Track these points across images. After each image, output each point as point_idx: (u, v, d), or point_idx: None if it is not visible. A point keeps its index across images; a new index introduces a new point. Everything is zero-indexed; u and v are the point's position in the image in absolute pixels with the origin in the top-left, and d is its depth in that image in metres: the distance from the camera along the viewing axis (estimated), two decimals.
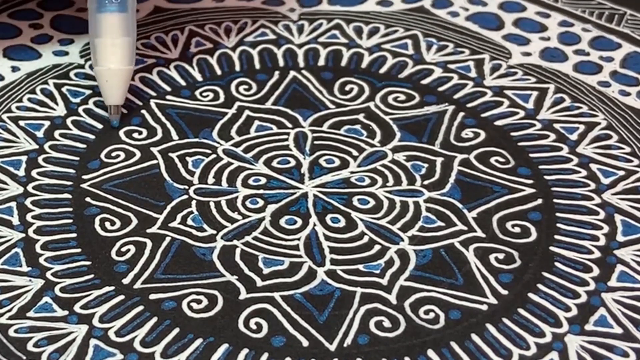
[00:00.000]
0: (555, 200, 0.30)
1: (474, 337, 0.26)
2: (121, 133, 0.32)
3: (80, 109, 0.33)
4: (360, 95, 0.34)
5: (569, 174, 0.31)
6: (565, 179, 0.31)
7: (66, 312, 0.26)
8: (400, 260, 0.28)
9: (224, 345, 0.25)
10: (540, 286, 0.27)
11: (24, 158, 0.31)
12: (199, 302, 0.27)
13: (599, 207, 0.30)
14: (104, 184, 0.30)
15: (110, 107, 0.32)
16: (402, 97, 0.34)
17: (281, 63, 0.35)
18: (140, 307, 0.26)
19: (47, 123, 0.32)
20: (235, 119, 0.33)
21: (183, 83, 0.34)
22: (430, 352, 0.25)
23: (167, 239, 0.28)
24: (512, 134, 0.32)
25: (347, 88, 0.34)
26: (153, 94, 0.34)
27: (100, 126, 0.32)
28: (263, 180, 0.30)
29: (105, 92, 0.32)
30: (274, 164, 0.31)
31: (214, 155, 0.31)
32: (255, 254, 0.28)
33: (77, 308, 0.26)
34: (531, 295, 0.27)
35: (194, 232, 0.29)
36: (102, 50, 0.31)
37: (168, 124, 0.32)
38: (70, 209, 0.29)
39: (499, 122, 0.33)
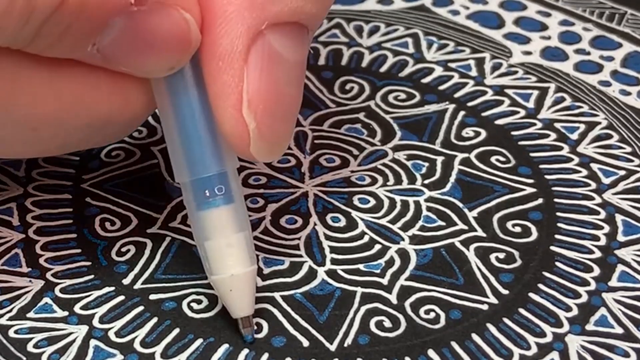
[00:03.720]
0: (556, 200, 0.30)
1: (475, 337, 0.26)
2: None
3: None
4: (361, 94, 0.34)
5: (569, 173, 0.31)
6: (565, 178, 0.31)
7: (66, 313, 0.26)
8: (400, 260, 0.28)
9: (224, 346, 0.25)
10: (541, 286, 0.27)
11: (24, 158, 0.31)
12: (199, 302, 0.27)
13: (600, 207, 0.30)
14: (104, 183, 0.30)
15: (241, 320, 0.26)
16: (403, 96, 0.34)
17: None
18: (141, 308, 0.26)
19: None
20: None
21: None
22: (431, 352, 0.25)
23: (167, 239, 0.28)
24: (513, 133, 0.32)
25: (348, 87, 0.34)
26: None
27: None
28: (263, 180, 0.30)
29: (230, 304, 0.26)
30: (274, 163, 0.31)
31: None
32: (256, 253, 0.28)
33: (77, 309, 0.26)
34: (532, 295, 0.27)
35: None
36: (217, 255, 0.25)
37: None
38: (70, 209, 0.29)
39: (499, 121, 0.33)
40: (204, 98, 0.24)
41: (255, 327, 0.26)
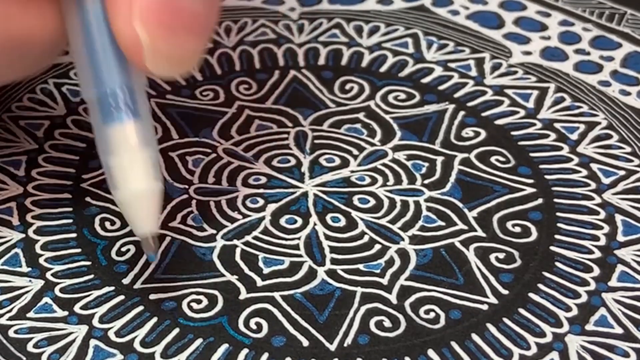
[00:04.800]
0: (555, 200, 0.30)
1: (475, 337, 0.26)
2: None
3: (80, 108, 0.33)
4: (361, 94, 0.34)
5: (569, 173, 0.31)
6: (565, 178, 0.31)
7: (66, 313, 0.26)
8: (400, 260, 0.28)
9: (224, 346, 0.25)
10: (540, 286, 0.27)
11: (23, 158, 0.31)
12: (199, 302, 0.27)
13: (600, 207, 0.30)
14: (104, 183, 0.30)
15: (143, 240, 0.25)
16: (403, 96, 0.34)
17: (281, 62, 0.35)
18: (140, 308, 0.26)
19: (47, 122, 0.32)
20: (236, 118, 0.33)
21: (183, 82, 0.34)
22: (431, 352, 0.25)
23: (167, 239, 0.28)
24: (513, 133, 0.32)
25: (348, 87, 0.34)
26: (153, 93, 0.33)
27: None
28: (263, 180, 0.30)
29: (132, 221, 0.25)
30: (274, 163, 0.31)
31: (214, 155, 0.31)
32: (256, 253, 0.28)
33: (77, 308, 0.26)
34: (532, 295, 0.27)
35: (194, 231, 0.28)
36: (119, 170, 0.25)
37: (168, 123, 0.32)
38: (70, 209, 0.29)
39: (499, 121, 0.33)
40: (106, 12, 0.24)
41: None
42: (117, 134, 0.25)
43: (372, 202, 0.30)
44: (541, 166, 0.31)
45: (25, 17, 0.24)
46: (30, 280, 0.27)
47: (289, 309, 0.26)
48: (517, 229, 0.29)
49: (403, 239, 0.29)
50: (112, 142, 0.25)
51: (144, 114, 0.25)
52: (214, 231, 0.29)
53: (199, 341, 0.26)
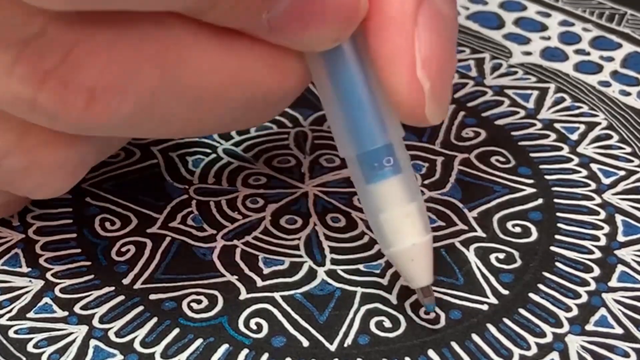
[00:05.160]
0: (555, 200, 0.30)
1: (475, 337, 0.26)
2: None
3: None
4: None
5: (569, 173, 0.31)
6: (565, 178, 0.31)
7: (66, 313, 0.26)
8: None
9: (224, 346, 0.25)
10: (540, 286, 0.27)
11: None
12: (199, 302, 0.27)
13: (600, 207, 0.30)
14: (104, 183, 0.30)
15: (421, 290, 0.25)
16: None
17: None
18: (141, 308, 0.26)
19: None
20: None
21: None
22: (431, 352, 0.25)
23: (167, 239, 0.28)
24: (513, 133, 0.32)
25: None
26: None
27: None
28: (263, 180, 0.30)
29: (412, 275, 0.25)
30: (274, 163, 0.31)
31: (214, 155, 0.31)
32: (256, 253, 0.28)
33: (77, 309, 0.26)
34: (532, 295, 0.27)
35: (194, 232, 0.28)
36: (394, 226, 0.25)
37: None
38: (70, 209, 0.29)
39: (499, 122, 0.33)
40: (363, 68, 0.24)
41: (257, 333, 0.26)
42: (384, 191, 0.24)
43: None
44: (541, 166, 0.31)
45: (269, 75, 0.24)
46: (30, 281, 0.27)
47: (289, 309, 0.26)
48: (517, 229, 0.29)
49: None
50: (381, 200, 0.24)
51: (405, 167, 0.25)
52: (214, 231, 0.29)
53: (199, 341, 0.26)
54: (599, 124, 0.33)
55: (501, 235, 0.29)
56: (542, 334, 0.26)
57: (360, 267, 0.28)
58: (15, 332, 0.26)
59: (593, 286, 0.27)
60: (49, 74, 0.21)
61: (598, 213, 0.30)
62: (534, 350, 0.26)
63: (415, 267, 0.25)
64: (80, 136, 0.24)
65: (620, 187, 0.30)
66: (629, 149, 0.32)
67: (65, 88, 0.21)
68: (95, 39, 0.21)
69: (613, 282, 0.27)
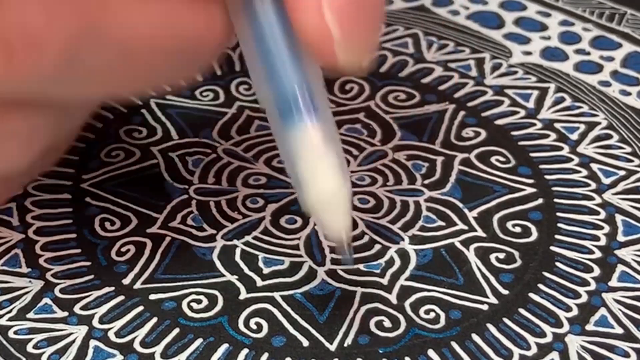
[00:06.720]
0: (555, 200, 0.30)
1: (475, 337, 0.26)
2: (121, 132, 0.32)
3: None
4: (361, 94, 0.34)
5: (569, 173, 0.31)
6: (565, 178, 0.31)
7: (66, 313, 0.26)
8: (400, 260, 0.28)
9: (224, 345, 0.25)
10: (541, 286, 0.27)
11: None
12: (199, 302, 0.27)
13: (600, 207, 0.30)
14: (104, 183, 0.30)
15: (337, 242, 0.24)
16: (403, 96, 0.34)
17: None
18: (141, 308, 0.26)
19: None
20: (236, 118, 0.33)
21: (183, 83, 0.34)
22: (431, 352, 0.25)
23: (167, 239, 0.28)
24: (513, 133, 0.32)
25: (347, 87, 0.34)
26: (153, 93, 0.33)
27: (100, 125, 0.32)
28: (263, 180, 0.30)
29: (324, 224, 0.24)
30: (274, 163, 0.31)
31: (214, 155, 0.31)
32: (256, 253, 0.28)
33: (77, 309, 0.26)
34: (532, 295, 0.27)
35: (194, 232, 0.28)
36: (309, 172, 0.24)
37: (168, 124, 0.32)
38: (70, 209, 0.29)
39: (499, 121, 0.33)
40: (279, 10, 0.23)
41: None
42: (300, 135, 0.23)
43: (372, 202, 0.30)
44: (541, 166, 0.31)
45: (192, 18, 0.23)
46: (30, 281, 0.27)
47: (289, 309, 0.26)
48: (517, 229, 0.29)
49: (403, 239, 0.28)
50: (296, 145, 0.24)
51: (325, 113, 0.24)
52: (214, 231, 0.29)
53: (199, 341, 0.26)
54: (599, 123, 0.33)
55: (501, 235, 0.29)
56: (542, 334, 0.26)
57: (360, 267, 0.28)
58: (15, 332, 0.26)
59: (593, 286, 0.27)
60: None
61: (598, 213, 0.30)
62: (534, 350, 0.26)
63: (328, 216, 0.24)
64: (25, 103, 0.23)
65: (621, 187, 0.30)
66: (629, 149, 0.32)
67: None
68: None
69: (613, 282, 0.27)
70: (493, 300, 0.27)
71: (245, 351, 0.25)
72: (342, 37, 0.23)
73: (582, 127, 0.33)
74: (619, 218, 0.29)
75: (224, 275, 0.27)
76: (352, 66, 0.23)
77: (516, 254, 0.28)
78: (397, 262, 0.28)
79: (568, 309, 0.27)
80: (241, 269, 0.27)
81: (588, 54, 0.36)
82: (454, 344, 0.26)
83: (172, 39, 0.23)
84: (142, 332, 0.26)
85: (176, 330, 0.26)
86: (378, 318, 0.26)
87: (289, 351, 0.25)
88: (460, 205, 0.30)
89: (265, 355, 0.25)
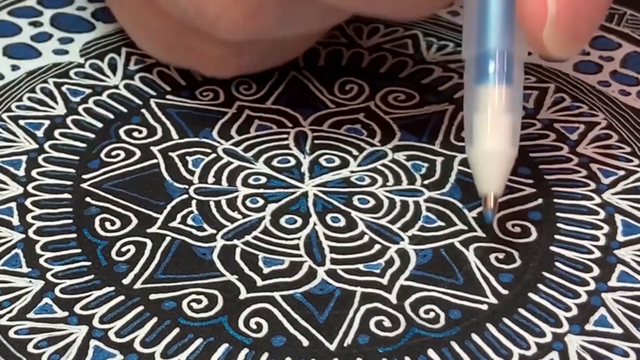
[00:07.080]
0: (555, 200, 0.30)
1: (475, 337, 0.26)
2: (121, 132, 0.32)
3: (80, 108, 0.33)
4: (360, 94, 0.34)
5: (569, 173, 0.31)
6: (565, 178, 0.31)
7: (66, 313, 0.26)
8: (400, 260, 0.28)
9: (224, 345, 0.25)
10: (540, 286, 0.27)
11: (24, 158, 0.31)
12: (199, 302, 0.27)
13: (599, 207, 0.30)
14: (104, 183, 0.30)
15: (485, 198, 0.26)
16: (402, 97, 0.34)
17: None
18: (141, 308, 0.26)
19: (47, 122, 0.32)
20: (236, 118, 0.33)
21: (183, 83, 0.34)
22: (431, 352, 0.25)
23: (167, 239, 0.28)
24: None
25: (347, 88, 0.34)
26: (153, 93, 0.34)
27: (100, 125, 0.32)
28: (263, 180, 0.30)
29: (479, 178, 0.26)
30: (274, 163, 0.31)
31: (214, 155, 0.31)
32: (256, 253, 0.28)
33: (77, 309, 0.26)
34: (531, 295, 0.27)
35: (194, 231, 0.29)
36: (482, 128, 0.26)
37: (168, 124, 0.32)
38: (70, 209, 0.29)
39: None
40: None
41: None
42: (486, 93, 0.26)
43: (372, 202, 0.30)
44: (541, 166, 0.31)
45: None
46: (30, 281, 0.27)
47: (289, 308, 0.26)
48: (517, 229, 0.29)
49: (403, 239, 0.29)
50: (480, 101, 0.26)
51: (516, 83, 0.26)
52: (214, 231, 0.29)
53: (199, 341, 0.26)
54: (599, 123, 0.33)
55: (501, 235, 0.29)
56: (542, 334, 0.26)
57: (360, 267, 0.28)
58: (16, 332, 0.26)
59: (593, 286, 0.27)
60: None
61: (598, 213, 0.30)
62: (534, 350, 0.26)
63: (485, 172, 0.26)
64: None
65: (620, 187, 0.31)
66: (628, 149, 0.32)
67: None
68: None
69: (613, 282, 0.27)
70: (493, 300, 0.27)
71: (245, 351, 0.25)
72: (556, 19, 0.23)
73: (582, 127, 0.33)
74: (618, 218, 0.29)
75: (224, 275, 0.27)
76: (558, 51, 0.24)
77: (516, 254, 0.28)
78: (397, 262, 0.28)
79: (567, 308, 0.27)
80: (241, 269, 0.27)
81: (587, 54, 0.36)
82: (453, 344, 0.26)
83: None
84: (142, 332, 0.26)
85: (176, 330, 0.26)
86: (378, 318, 0.26)
87: (289, 351, 0.25)
88: (460, 205, 0.30)
89: (265, 355, 0.25)
